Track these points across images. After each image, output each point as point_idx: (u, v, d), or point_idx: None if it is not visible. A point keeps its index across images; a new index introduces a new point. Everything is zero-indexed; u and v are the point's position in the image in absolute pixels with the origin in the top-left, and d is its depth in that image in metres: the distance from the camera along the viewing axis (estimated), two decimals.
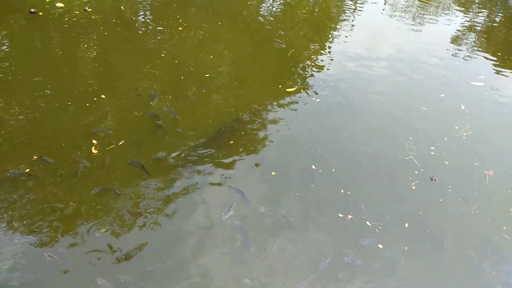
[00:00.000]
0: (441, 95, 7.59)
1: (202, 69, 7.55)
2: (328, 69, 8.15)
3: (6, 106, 6.03)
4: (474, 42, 10.43)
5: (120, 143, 5.59)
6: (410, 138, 6.31)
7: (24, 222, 4.45)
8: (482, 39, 10.78)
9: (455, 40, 10.37)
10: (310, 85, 7.54)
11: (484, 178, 5.69)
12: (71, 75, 6.97)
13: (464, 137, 6.48)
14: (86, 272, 4.09)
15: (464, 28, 11.28)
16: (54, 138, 5.58)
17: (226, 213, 4.81)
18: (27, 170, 4.97)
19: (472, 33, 10.93)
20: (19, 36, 8.08)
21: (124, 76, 7.12)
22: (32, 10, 8.72)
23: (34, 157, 5.16)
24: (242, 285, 4.20)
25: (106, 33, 8.41)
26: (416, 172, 5.69)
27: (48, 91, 6.42)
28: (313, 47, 9.23)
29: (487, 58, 9.47)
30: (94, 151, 5.38)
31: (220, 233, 4.64)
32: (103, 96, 6.44)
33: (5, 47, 7.63)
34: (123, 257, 4.25)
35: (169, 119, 6.18)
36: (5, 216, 4.49)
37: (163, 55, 7.85)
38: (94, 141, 5.55)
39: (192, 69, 7.51)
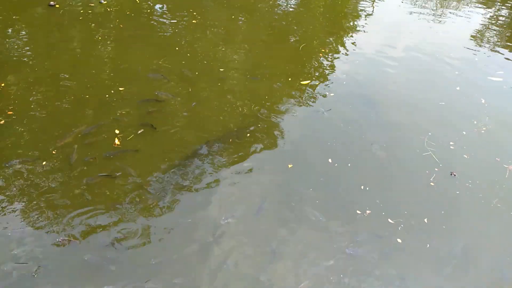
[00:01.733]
0: (457, 88, 7.48)
1: (217, 63, 7.54)
2: (344, 63, 8.08)
3: (24, 101, 6.11)
4: (495, 37, 10.21)
5: (139, 132, 5.70)
6: (429, 133, 6.23)
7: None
8: (504, 34, 10.54)
9: (475, 34, 10.17)
10: (326, 79, 7.49)
11: (504, 173, 5.61)
12: (88, 68, 7.02)
13: (483, 131, 6.38)
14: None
15: (485, 23, 11.04)
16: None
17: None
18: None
19: (493, 28, 10.70)
20: (38, 28, 8.17)
21: (138, 69, 7.14)
22: (51, 3, 8.82)
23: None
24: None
25: (121, 26, 8.44)
26: (436, 169, 5.61)
27: (68, 83, 6.50)
28: (330, 40, 9.14)
29: (507, 54, 9.24)
30: (116, 142, 5.45)
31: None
32: (121, 88, 6.49)
33: (25, 39, 7.70)
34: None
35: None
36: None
37: (177, 49, 7.85)
38: (116, 131, 5.63)
39: (205, 62, 7.50)
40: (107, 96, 6.31)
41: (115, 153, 5.27)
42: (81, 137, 5.49)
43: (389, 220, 4.88)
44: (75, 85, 6.49)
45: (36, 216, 4.50)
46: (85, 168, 5.07)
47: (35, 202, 4.62)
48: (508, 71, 8.45)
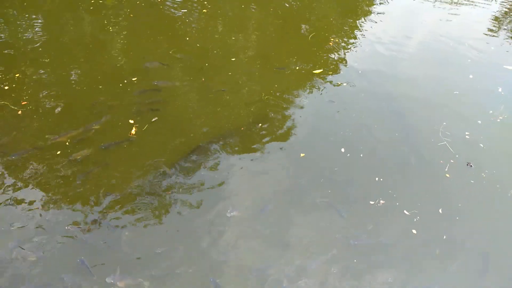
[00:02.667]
0: (470, 76, 7.36)
1: (228, 53, 7.50)
2: (357, 53, 7.98)
3: (38, 91, 6.16)
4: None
5: (153, 120, 5.77)
6: (444, 123, 6.16)
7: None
8: None
9: (491, 23, 9.91)
10: (338, 68, 7.41)
11: None
12: (100, 58, 7.04)
13: (499, 120, 6.29)
14: None
15: (502, 12, 10.72)
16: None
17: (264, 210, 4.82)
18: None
19: (510, 17, 10.40)
20: (51, 18, 8.18)
21: (149, 60, 7.14)
22: None
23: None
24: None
25: (131, 15, 8.42)
26: (452, 160, 5.55)
27: (79, 71, 6.54)
28: (344, 28, 9.02)
29: None
30: (132, 131, 5.50)
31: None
32: (133, 78, 6.51)
33: (37, 29, 7.72)
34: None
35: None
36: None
37: (187, 39, 7.80)
38: (131, 121, 5.69)
39: (215, 52, 7.46)
40: (120, 85, 6.35)
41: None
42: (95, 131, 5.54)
43: (405, 211, 4.86)
44: (86, 75, 6.53)
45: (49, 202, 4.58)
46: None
47: (52, 191, 4.71)
48: None
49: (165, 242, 4.37)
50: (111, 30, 7.86)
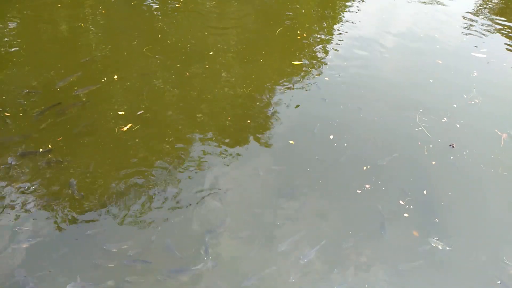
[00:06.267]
0: (439, 61, 7.61)
1: (204, 47, 7.41)
2: (337, 43, 8.06)
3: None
4: (488, 15, 10.20)
5: (139, 113, 5.74)
6: (421, 110, 6.34)
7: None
8: (496, 14, 10.51)
9: (468, 14, 10.13)
10: (317, 60, 7.48)
11: (499, 141, 5.81)
12: (70, 54, 6.81)
13: (473, 102, 6.55)
14: None
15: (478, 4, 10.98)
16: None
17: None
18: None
19: (486, 8, 10.68)
20: (23, 16, 7.84)
21: (124, 59, 6.96)
22: None
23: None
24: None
25: (103, 12, 8.18)
26: (431, 145, 5.72)
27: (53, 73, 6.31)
28: (322, 21, 9.10)
29: (499, 33, 9.33)
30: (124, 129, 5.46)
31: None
32: (116, 77, 6.33)
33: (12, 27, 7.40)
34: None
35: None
36: None
37: (160, 36, 7.63)
38: (120, 113, 5.68)
39: (188, 46, 7.36)
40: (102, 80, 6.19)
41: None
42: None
43: (390, 195, 4.98)
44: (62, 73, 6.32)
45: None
46: None
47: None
48: (491, 48, 8.53)
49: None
50: (82, 26, 7.61)
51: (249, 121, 5.87)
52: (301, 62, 7.28)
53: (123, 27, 7.81)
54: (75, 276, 3.89)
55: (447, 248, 4.45)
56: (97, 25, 7.77)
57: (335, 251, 4.37)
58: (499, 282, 4.21)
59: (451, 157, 5.54)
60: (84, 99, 5.85)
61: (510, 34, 9.05)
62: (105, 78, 6.30)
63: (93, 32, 7.54)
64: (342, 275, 4.18)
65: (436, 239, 4.54)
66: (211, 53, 7.25)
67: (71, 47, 7.06)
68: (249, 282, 4.02)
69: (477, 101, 6.59)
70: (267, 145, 5.53)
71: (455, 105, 6.47)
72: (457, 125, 6.07)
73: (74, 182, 4.68)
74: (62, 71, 6.37)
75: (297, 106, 6.27)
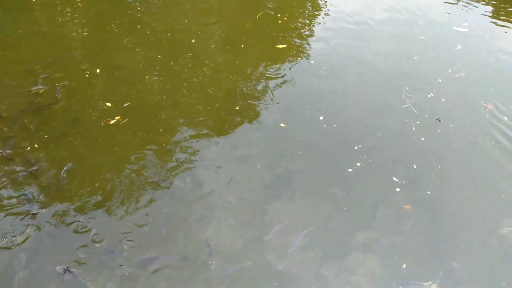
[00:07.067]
0: (421, 37, 7.64)
1: (185, 37, 7.29)
2: (320, 24, 8.00)
3: None
4: None
5: (125, 105, 5.66)
6: (406, 87, 6.38)
7: None
8: None
9: None
10: (303, 43, 7.44)
11: (485, 112, 5.90)
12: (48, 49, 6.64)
13: (458, 76, 6.62)
14: None
15: None
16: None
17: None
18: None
19: None
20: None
21: (105, 52, 6.81)
22: None
23: None
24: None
25: (80, 5, 7.95)
26: (418, 122, 5.78)
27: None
28: (306, 4, 9.01)
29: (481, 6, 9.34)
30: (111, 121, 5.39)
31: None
32: (98, 70, 6.20)
33: None
34: None
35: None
36: None
37: (139, 27, 7.46)
38: (108, 104, 5.61)
39: (169, 35, 7.23)
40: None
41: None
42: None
43: (380, 169, 5.03)
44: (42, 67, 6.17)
45: None
46: None
47: None
48: (473, 22, 8.57)
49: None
50: (60, 20, 7.39)
51: (237, 107, 5.84)
52: (285, 46, 7.23)
53: (101, 20, 7.61)
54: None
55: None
56: (74, 19, 7.55)
57: (326, 233, 4.42)
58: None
59: (438, 131, 5.62)
60: (63, 95, 5.72)
61: (492, 7, 9.12)
62: (88, 73, 6.17)
63: (70, 27, 7.33)
64: (334, 254, 4.24)
65: None
66: (193, 41, 7.14)
67: (50, 42, 6.87)
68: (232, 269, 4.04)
69: (462, 74, 6.68)
70: (258, 129, 5.52)
71: (440, 80, 6.54)
72: (443, 99, 6.15)
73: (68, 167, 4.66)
74: (37, 66, 6.21)
75: (285, 85, 6.26)
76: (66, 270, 3.85)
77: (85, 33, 7.16)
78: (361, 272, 4.10)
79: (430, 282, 4.03)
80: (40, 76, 5.96)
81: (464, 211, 4.71)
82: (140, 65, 6.48)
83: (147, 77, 6.24)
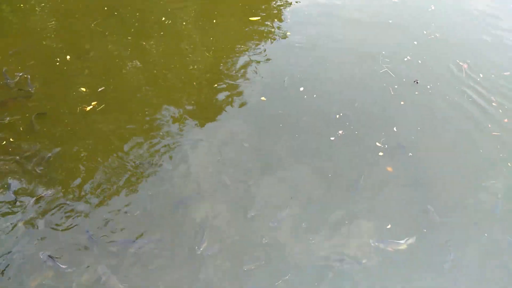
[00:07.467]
0: (395, 0, 7.60)
1: (154, 15, 7.07)
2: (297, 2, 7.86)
3: None
4: None
5: (100, 89, 5.55)
6: (383, 52, 6.37)
7: None
8: None
9: None
10: (277, 14, 7.31)
11: (461, 71, 5.98)
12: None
13: (433, 37, 6.65)
14: None
15: None
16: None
17: None
18: None
19: None
20: None
21: (74, 37, 6.56)
22: None
23: None
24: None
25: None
26: (396, 86, 5.81)
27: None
28: None
29: None
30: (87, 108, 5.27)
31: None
32: (68, 57, 5.99)
33: None
34: None
35: None
36: None
37: (105, 8, 7.17)
38: (82, 89, 5.49)
39: (137, 14, 6.99)
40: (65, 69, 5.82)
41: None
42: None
43: (362, 135, 5.08)
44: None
45: None
46: None
47: None
48: None
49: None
50: (39, 15, 7.06)
51: (216, 85, 5.75)
52: (259, 18, 7.09)
53: (67, 5, 7.28)
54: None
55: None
56: (37, 5, 7.21)
57: (312, 200, 4.47)
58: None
59: (416, 93, 5.67)
60: (35, 85, 5.52)
61: None
62: (58, 59, 5.94)
63: (35, 14, 7.01)
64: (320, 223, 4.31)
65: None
66: (163, 19, 6.93)
67: (15, 31, 6.57)
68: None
69: (437, 35, 6.71)
70: (239, 104, 5.46)
71: (415, 42, 6.56)
72: (420, 61, 6.18)
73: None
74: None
75: (262, 58, 6.19)
76: (49, 256, 3.82)
77: (52, 21, 6.85)
78: (346, 234, 4.17)
79: (406, 239, 4.13)
80: (4, 68, 5.72)
81: (446, 169, 4.82)
82: (110, 47, 6.28)
83: (118, 60, 6.06)
